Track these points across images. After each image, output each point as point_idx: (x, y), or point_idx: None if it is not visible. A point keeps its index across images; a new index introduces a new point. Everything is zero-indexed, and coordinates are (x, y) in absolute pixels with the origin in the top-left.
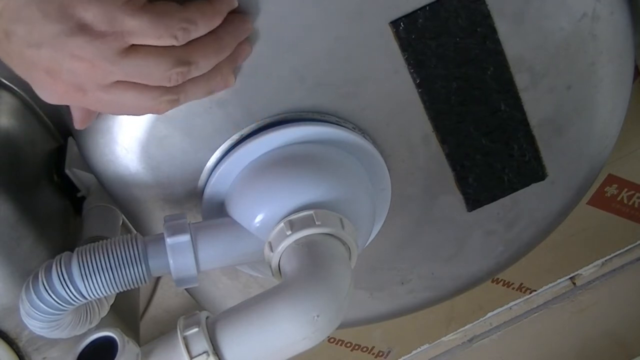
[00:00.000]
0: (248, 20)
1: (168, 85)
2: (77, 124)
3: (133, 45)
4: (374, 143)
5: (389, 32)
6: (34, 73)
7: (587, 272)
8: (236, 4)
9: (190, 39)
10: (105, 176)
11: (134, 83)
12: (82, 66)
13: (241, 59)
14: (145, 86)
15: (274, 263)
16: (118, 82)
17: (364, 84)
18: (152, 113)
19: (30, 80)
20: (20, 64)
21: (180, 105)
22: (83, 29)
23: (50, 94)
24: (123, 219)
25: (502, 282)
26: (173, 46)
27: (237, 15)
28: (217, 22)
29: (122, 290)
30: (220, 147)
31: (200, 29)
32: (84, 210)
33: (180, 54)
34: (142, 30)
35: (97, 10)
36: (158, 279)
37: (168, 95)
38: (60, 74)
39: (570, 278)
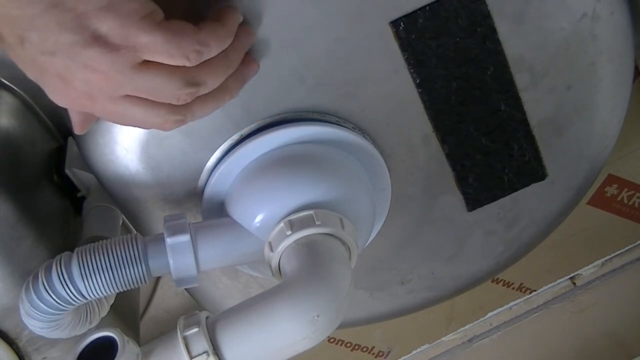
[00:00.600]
0: (252, 31)
1: (176, 103)
2: (76, 128)
3: (146, 60)
4: (374, 143)
5: (389, 33)
6: (46, 78)
7: (587, 272)
8: (242, 18)
9: (202, 60)
10: (105, 176)
11: (143, 99)
12: (95, 77)
13: (249, 78)
14: (154, 103)
15: (274, 263)
16: (128, 95)
17: (364, 84)
18: (158, 129)
19: (42, 84)
20: (32, 69)
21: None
22: (98, 41)
23: (61, 98)
24: (123, 219)
25: (502, 282)
26: (184, 66)
27: (242, 29)
28: (228, 43)
29: (122, 290)
30: (220, 147)
31: (213, 51)
32: (84, 210)
33: (191, 75)
34: (156, 47)
35: (113, 24)
36: (158, 279)
37: (175, 115)
38: (72, 82)
39: (570, 278)
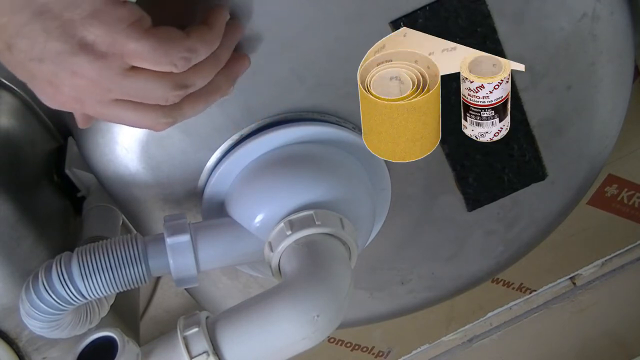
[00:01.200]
0: (239, 26)
1: (165, 104)
2: (80, 123)
3: (133, 66)
4: None
5: (389, 33)
6: (36, 82)
7: (587, 272)
8: (229, 16)
9: (190, 66)
10: (105, 176)
11: (132, 102)
12: (83, 83)
13: (240, 73)
14: (143, 106)
15: (274, 263)
16: (117, 99)
17: None
18: (149, 129)
19: (32, 87)
20: (22, 73)
21: None
22: (85, 49)
23: (51, 101)
24: (123, 219)
25: (502, 282)
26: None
27: (229, 25)
28: (216, 46)
29: (122, 290)
30: (220, 147)
31: (201, 56)
32: (84, 210)
33: (179, 78)
34: (143, 55)
35: (100, 31)
36: (158, 279)
37: (165, 117)
38: (61, 87)
39: (570, 278)
